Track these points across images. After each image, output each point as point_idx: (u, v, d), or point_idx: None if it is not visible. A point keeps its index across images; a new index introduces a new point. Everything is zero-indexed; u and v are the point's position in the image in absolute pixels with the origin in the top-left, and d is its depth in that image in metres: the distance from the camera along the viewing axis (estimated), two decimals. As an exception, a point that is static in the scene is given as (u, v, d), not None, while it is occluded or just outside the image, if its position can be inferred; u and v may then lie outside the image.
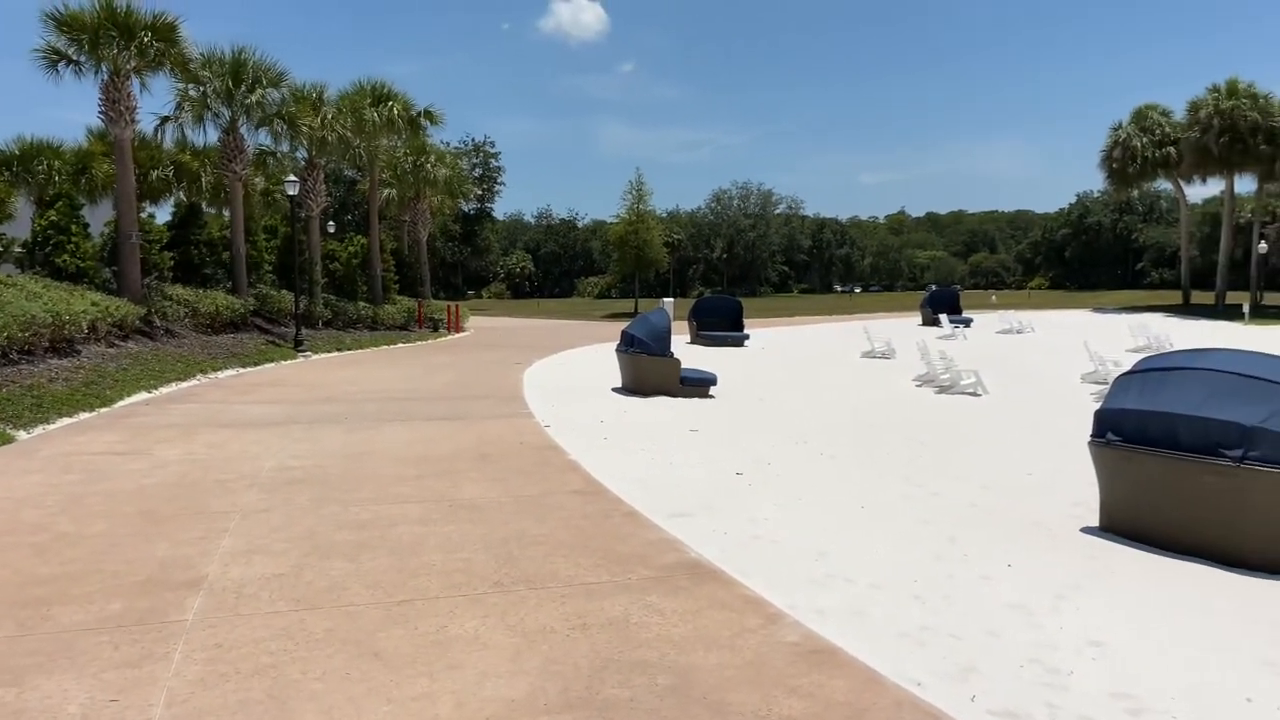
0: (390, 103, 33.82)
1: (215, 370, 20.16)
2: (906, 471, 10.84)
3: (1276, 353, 7.88)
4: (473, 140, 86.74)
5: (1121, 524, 7.89)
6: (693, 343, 30.19)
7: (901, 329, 37.42)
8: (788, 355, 28.53)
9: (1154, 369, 8.05)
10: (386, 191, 43.02)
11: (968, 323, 40.99)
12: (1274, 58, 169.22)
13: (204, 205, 34.09)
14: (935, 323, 40.38)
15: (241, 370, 21.03)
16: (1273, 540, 7.01)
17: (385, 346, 29.54)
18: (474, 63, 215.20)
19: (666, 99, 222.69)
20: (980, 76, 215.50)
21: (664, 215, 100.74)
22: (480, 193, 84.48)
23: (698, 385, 17.14)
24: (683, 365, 17.38)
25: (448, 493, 8.76)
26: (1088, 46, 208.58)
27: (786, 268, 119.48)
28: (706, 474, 10.05)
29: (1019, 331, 39.11)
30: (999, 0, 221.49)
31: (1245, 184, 55.20)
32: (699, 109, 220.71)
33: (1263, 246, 53.00)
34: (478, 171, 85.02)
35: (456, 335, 37.08)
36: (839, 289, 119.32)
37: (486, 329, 42.20)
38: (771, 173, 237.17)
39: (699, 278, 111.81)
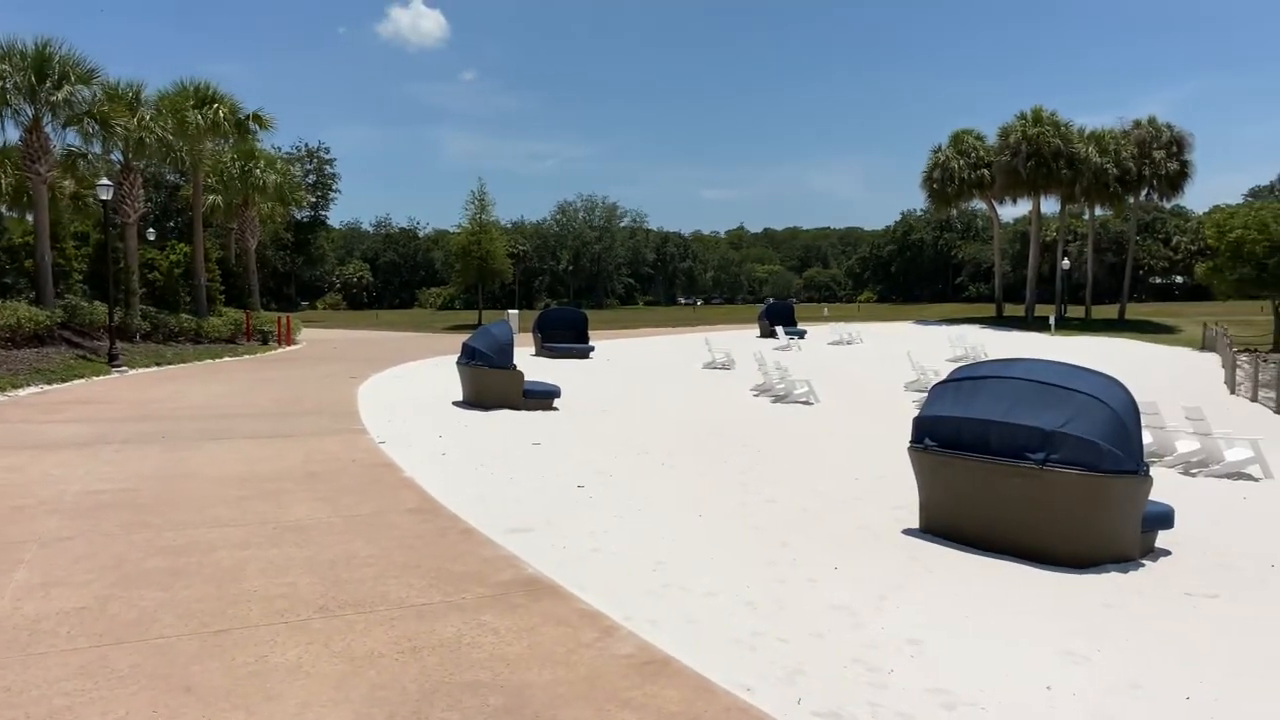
0: (216, 105, 32.18)
1: (16, 388, 18.56)
2: (743, 479, 11.10)
3: (1077, 361, 8.50)
4: (306, 146, 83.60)
5: (939, 525, 8.33)
6: (537, 355, 30.05)
7: (741, 340, 38.44)
8: (632, 367, 28.81)
9: (966, 378, 8.56)
10: (212, 198, 40.87)
11: (802, 334, 42.54)
12: (1072, 90, 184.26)
13: (3, 210, 31.40)
14: (772, 334, 41.71)
15: (47, 387, 19.45)
16: (1073, 536, 7.56)
17: (210, 361, 27.98)
18: (308, 67, 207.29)
19: (511, 109, 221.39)
20: (812, 100, 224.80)
21: (509, 226, 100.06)
22: (314, 200, 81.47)
23: (541, 398, 17.05)
24: (526, 378, 17.25)
25: (272, 514, 8.34)
26: (911, 74, 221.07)
27: (632, 280, 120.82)
28: (548, 488, 9.98)
29: (849, 342, 40.91)
30: (828, 29, 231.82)
31: (1051, 205, 59.86)
32: (545, 120, 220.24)
33: (1066, 263, 57.49)
34: (311, 178, 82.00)
35: (288, 348, 35.54)
36: (683, 301, 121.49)
37: (321, 342, 40.65)
38: (617, 186, 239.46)
39: (545, 289, 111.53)
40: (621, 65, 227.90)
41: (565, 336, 31.65)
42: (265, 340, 35.92)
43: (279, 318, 39.49)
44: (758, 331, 45.62)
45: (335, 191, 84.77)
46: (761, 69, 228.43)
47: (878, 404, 21.04)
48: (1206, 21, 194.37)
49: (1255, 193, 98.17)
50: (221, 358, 29.03)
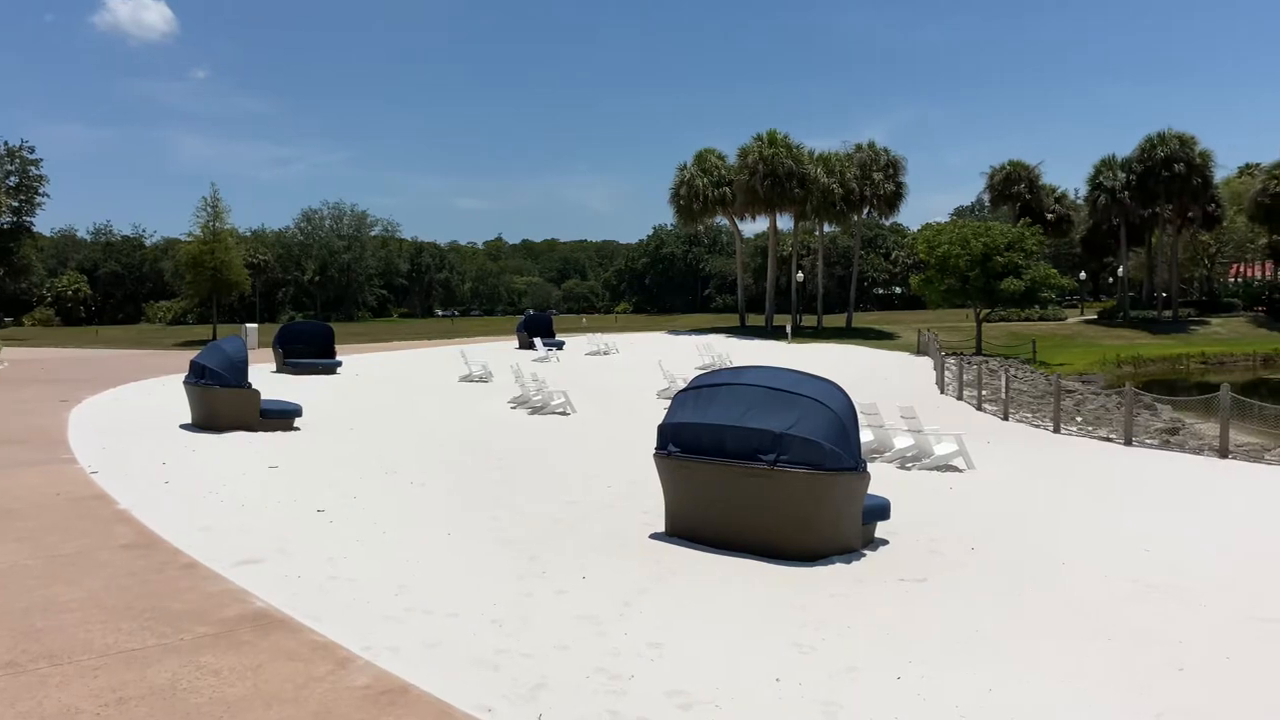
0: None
1: None
2: (496, 493, 10.99)
3: (812, 366, 9.08)
4: (6, 144, 74.58)
5: (683, 529, 8.62)
6: (279, 372, 28.35)
7: (499, 352, 38.20)
8: (384, 382, 27.84)
9: (704, 385, 8.93)
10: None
11: (560, 345, 42.90)
12: (802, 115, 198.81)
13: None
14: (531, 346, 41.75)
15: None
16: (801, 532, 8.06)
17: (-118, 386, 24.22)
18: (7, 58, 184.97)
19: (251, 111, 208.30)
20: (569, 114, 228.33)
21: (247, 234, 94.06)
22: (17, 204, 72.77)
23: (280, 417, 16.08)
24: (265, 396, 16.21)
25: (-48, 561, 7.30)
26: (661, 93, 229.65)
27: (385, 292, 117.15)
28: (283, 514, 9.40)
29: (606, 353, 41.74)
30: (584, 45, 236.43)
31: (786, 221, 63.94)
32: (290, 123, 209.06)
33: (800, 276, 61.69)
34: (13, 180, 73.22)
35: (-14, 370, 31.47)
36: (440, 313, 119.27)
37: (27, 362, 36.31)
38: (368, 194, 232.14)
39: (289, 302, 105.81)
40: (372, 67, 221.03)
41: (309, 352, 30.07)
42: (-46, 362, 31.62)
43: (-28, 336, 34.89)
44: (516, 343, 45.54)
45: (42, 195, 75.89)
46: (517, 80, 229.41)
47: (632, 411, 21.55)
48: (917, 59, 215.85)
49: (959, 212, 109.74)
50: (-103, 383, 25.19)
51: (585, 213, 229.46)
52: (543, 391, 21.39)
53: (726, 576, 7.40)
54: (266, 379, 24.51)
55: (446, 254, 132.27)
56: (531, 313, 68.86)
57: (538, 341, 41.33)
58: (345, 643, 5.53)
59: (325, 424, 16.89)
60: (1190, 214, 58.93)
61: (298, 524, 8.93)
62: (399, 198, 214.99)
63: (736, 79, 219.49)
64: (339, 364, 30.08)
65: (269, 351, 30.83)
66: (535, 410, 20.84)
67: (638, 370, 31.83)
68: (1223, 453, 15.20)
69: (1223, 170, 60.35)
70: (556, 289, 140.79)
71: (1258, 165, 65.28)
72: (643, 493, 10.57)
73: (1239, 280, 73.07)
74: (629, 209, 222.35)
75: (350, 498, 10.31)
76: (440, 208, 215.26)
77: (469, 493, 11.03)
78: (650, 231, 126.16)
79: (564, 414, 20.41)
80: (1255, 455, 15.78)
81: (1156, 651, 5.80)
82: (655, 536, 8.67)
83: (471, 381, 27.77)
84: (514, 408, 21.49)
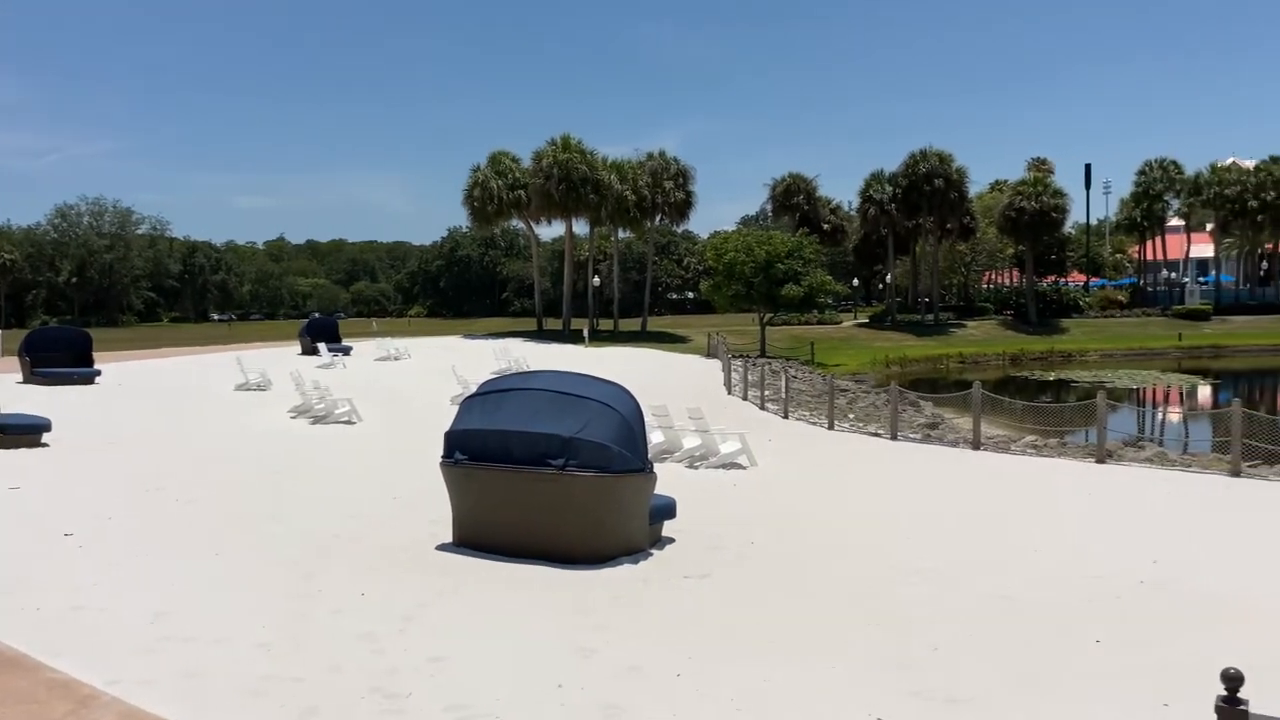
0: None
1: None
2: (273, 509, 10.39)
3: (603, 371, 9.13)
4: None
5: (472, 538, 8.45)
6: (26, 382, 25.64)
7: (280, 358, 36.26)
8: (150, 393, 25.73)
9: (493, 390, 8.81)
10: None
11: (347, 350, 41.24)
12: (595, 122, 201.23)
13: None
14: (315, 351, 39.87)
15: None
16: (590, 535, 8.10)
17: None
18: None
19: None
20: (355, 111, 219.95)
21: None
22: None
23: (24, 433, 14.53)
24: (5, 409, 14.61)
25: None
26: (455, 93, 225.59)
27: (154, 294, 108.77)
28: (24, 540, 8.48)
29: (397, 358, 40.50)
30: (368, 44, 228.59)
31: (582, 226, 64.53)
32: (42, 111, 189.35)
33: (596, 280, 62.41)
34: None
35: None
36: (216, 317, 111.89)
37: None
38: (133, 189, 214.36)
39: (42, 305, 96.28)
40: (137, 55, 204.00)
41: (62, 360, 27.35)
42: None
43: None
44: (299, 349, 43.40)
45: None
46: (302, 74, 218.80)
47: (423, 419, 20.99)
48: (706, 71, 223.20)
49: (745, 221, 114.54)
50: None
51: (376, 213, 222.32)
52: (326, 400, 20.49)
53: (514, 584, 7.31)
54: (12, 390, 22.18)
55: (223, 254, 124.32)
56: (316, 316, 65.92)
57: (322, 347, 39.58)
58: (88, 679, 5.03)
59: (79, 439, 15.42)
60: (949, 225, 64.13)
61: (40, 550, 8.08)
62: (169, 194, 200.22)
63: (532, 84, 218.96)
64: (97, 373, 27.57)
65: (15, 360, 27.84)
66: (318, 420, 19.93)
67: (430, 376, 31.09)
68: (976, 445, 16.60)
69: (976, 185, 66.25)
70: (345, 291, 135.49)
71: (1005, 182, 72.00)
72: (430, 503, 10.28)
73: (991, 287, 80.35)
74: (423, 210, 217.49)
75: (104, 519, 9.45)
76: (217, 205, 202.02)
77: (240, 509, 10.37)
78: (445, 233, 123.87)
79: (349, 423, 19.63)
80: (1003, 446, 17.33)
81: (915, 632, 6.22)
82: (442, 547, 8.46)
83: (248, 390, 26.20)
84: (294, 417, 20.46)
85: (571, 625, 6.21)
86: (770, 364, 38.68)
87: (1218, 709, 2.59)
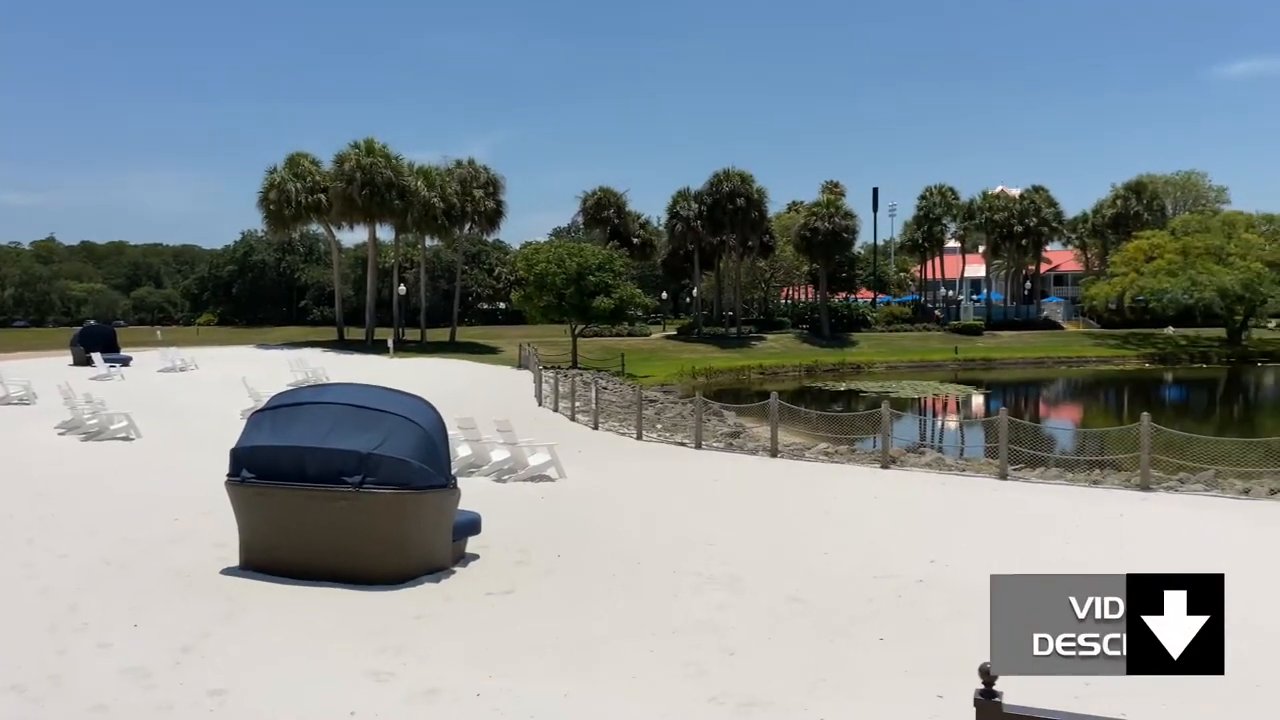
0: None
1: None
2: (31, 535, 9.45)
3: (409, 382, 8.85)
4: None
5: (261, 560, 7.98)
6: None
7: (49, 370, 33.12)
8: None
9: (284, 405, 8.37)
10: None
11: (126, 361, 38.21)
12: (402, 127, 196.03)
13: None
14: (88, 362, 36.69)
15: None
16: (390, 553, 7.82)
17: None
18: None
19: None
20: (135, 106, 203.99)
21: None
22: None
23: None
24: None
25: None
26: (251, 94, 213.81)
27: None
28: None
29: (183, 369, 37.90)
30: (169, 42, 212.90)
31: (387, 233, 62.65)
32: None
33: (403, 289, 60.78)
34: None
35: None
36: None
37: None
38: None
39: None
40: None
41: None
42: None
43: None
44: (71, 359, 39.84)
45: None
46: (76, 64, 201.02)
47: (210, 435, 19.66)
48: (518, 81, 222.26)
49: (557, 232, 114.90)
50: None
51: (160, 214, 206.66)
52: (100, 414, 18.88)
53: (306, 608, 6.96)
54: None
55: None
56: (91, 324, 60.74)
57: (97, 357, 36.48)
58: None
59: None
60: (750, 243, 66.84)
61: None
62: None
63: (332, 86, 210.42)
64: None
65: None
66: (90, 436, 18.33)
67: (220, 389, 29.24)
68: (774, 452, 17.31)
69: (775, 205, 69.42)
70: (125, 298, 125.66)
71: (801, 203, 75.83)
72: (216, 524, 9.64)
73: (789, 302, 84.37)
74: (213, 212, 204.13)
75: None
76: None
77: (-6, 537, 9.35)
78: (239, 237, 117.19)
79: (126, 439, 18.17)
80: (798, 454, 18.16)
81: (712, 639, 6.38)
82: (228, 571, 7.95)
83: (9, 404, 23.80)
84: (63, 434, 18.75)
85: (368, 649, 5.97)
86: (582, 375, 38.89)
87: (976, 702, 2.78)
